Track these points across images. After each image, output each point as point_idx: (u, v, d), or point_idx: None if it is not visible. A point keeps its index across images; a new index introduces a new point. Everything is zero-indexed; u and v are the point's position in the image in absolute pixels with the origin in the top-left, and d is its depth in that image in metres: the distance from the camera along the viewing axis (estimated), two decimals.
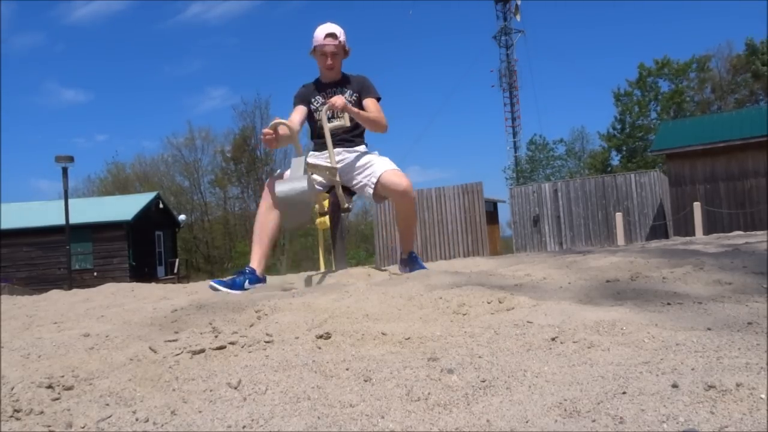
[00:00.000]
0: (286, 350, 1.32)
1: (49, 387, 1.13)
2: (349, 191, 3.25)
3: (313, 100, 3.24)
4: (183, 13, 65.35)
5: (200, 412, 1.00)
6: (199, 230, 38.75)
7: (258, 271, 2.94)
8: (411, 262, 3.27)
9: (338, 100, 2.97)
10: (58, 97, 64.32)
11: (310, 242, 27.73)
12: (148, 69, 65.04)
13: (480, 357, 1.19)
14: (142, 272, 22.98)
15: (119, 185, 38.03)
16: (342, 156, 3.18)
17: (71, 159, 15.71)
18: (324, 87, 3.26)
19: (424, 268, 3.28)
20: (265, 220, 3.01)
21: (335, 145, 3.13)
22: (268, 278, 3.24)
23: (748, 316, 1.40)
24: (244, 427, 0.93)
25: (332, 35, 3.15)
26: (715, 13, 55.36)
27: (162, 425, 0.96)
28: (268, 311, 1.73)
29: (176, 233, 29.33)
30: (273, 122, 2.83)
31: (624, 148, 33.78)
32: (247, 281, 2.84)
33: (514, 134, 38.70)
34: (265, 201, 3.02)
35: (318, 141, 3.23)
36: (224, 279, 2.88)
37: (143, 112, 63.47)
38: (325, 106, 3.01)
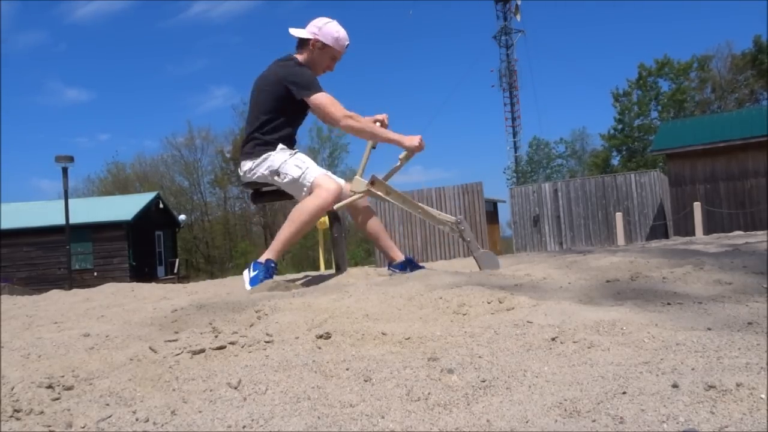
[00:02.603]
0: (286, 350, 1.32)
1: (49, 387, 1.13)
2: None
3: None
4: (186, 12, 65.45)
5: (200, 412, 1.00)
6: (199, 230, 38.77)
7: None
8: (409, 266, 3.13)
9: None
10: (60, 96, 64.47)
11: (310, 242, 27.75)
12: (152, 68, 65.27)
13: (480, 357, 1.19)
14: (142, 272, 22.99)
15: (119, 185, 38.07)
16: None
17: (71, 159, 15.73)
18: None
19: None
20: (314, 221, 2.89)
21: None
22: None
23: (748, 316, 1.40)
24: (244, 427, 0.93)
25: (347, 46, 3.13)
26: (715, 13, 55.47)
27: (162, 425, 0.96)
28: (268, 311, 1.73)
29: (176, 233, 29.35)
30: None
31: (624, 148, 33.80)
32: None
33: (514, 134, 38.79)
34: (325, 200, 2.84)
35: (292, 137, 3.15)
36: (254, 274, 2.83)
37: (146, 111, 63.72)
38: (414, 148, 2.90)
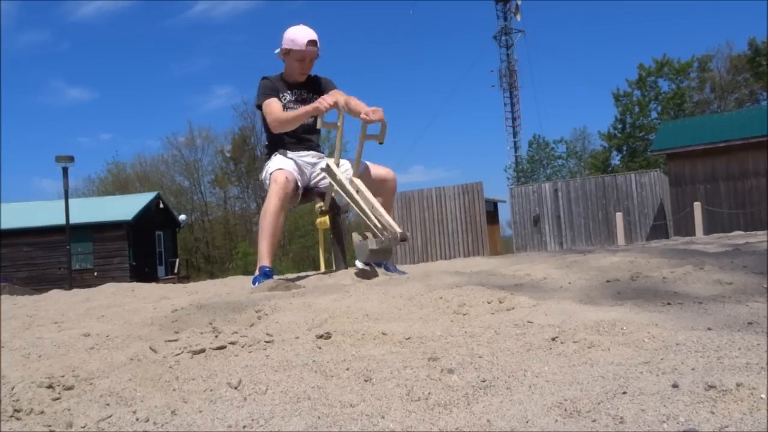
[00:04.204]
0: (286, 350, 1.32)
1: (50, 387, 1.13)
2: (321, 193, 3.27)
3: (281, 95, 3.21)
4: (189, 11, 65.36)
5: (200, 412, 1.00)
6: (199, 230, 38.77)
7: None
8: None
9: (340, 97, 2.97)
10: (62, 95, 64.40)
11: (310, 242, 27.74)
12: (154, 67, 65.20)
13: (480, 357, 1.19)
14: (143, 272, 22.98)
15: (119, 185, 38.05)
16: (315, 160, 3.26)
17: (71, 159, 15.73)
18: (291, 86, 3.24)
19: (401, 273, 3.15)
20: (278, 221, 2.94)
21: (308, 150, 3.24)
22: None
23: (749, 316, 1.40)
24: (244, 427, 0.93)
25: (314, 42, 3.13)
26: (715, 13, 55.46)
27: (162, 425, 0.96)
28: (268, 311, 1.73)
29: (176, 233, 29.34)
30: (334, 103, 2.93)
31: (624, 148, 33.79)
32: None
33: (515, 134, 38.78)
34: (278, 199, 2.91)
35: (291, 140, 3.22)
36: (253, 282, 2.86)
37: (148, 110, 63.67)
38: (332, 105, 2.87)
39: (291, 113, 3.06)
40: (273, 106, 3.09)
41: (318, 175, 3.26)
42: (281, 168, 3.01)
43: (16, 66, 59.98)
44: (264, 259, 2.91)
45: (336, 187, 3.01)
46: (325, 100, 2.85)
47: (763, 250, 2.73)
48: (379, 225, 2.74)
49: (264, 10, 65.48)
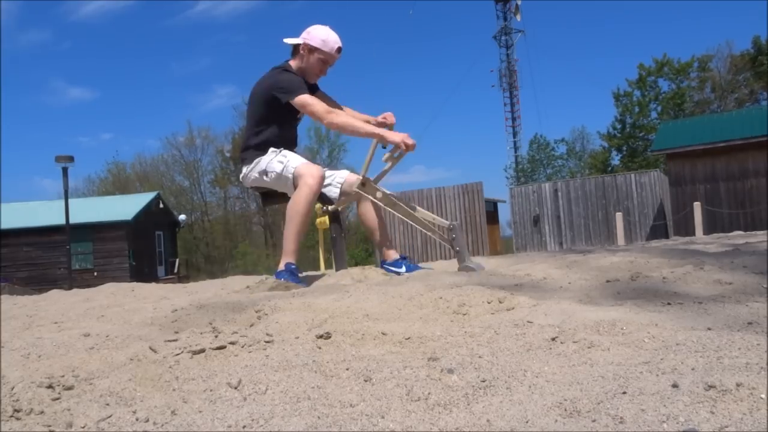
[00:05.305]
0: (286, 350, 1.32)
1: (50, 387, 1.13)
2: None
3: None
4: (190, 10, 65.30)
5: (200, 412, 1.00)
6: (199, 230, 38.78)
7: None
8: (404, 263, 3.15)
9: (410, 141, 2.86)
10: (63, 95, 64.33)
11: (311, 242, 27.73)
12: (155, 67, 65.12)
13: (480, 357, 1.19)
14: (143, 272, 22.97)
15: (119, 185, 38.05)
16: None
17: (71, 159, 15.73)
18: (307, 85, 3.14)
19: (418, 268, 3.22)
20: (309, 210, 2.89)
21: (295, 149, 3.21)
22: (269, 278, 3.24)
23: (748, 316, 1.40)
24: (244, 427, 0.93)
25: (341, 50, 3.12)
26: (715, 13, 55.45)
27: (162, 425, 0.96)
28: (268, 311, 1.73)
29: (176, 233, 29.33)
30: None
31: (624, 148, 33.79)
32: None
33: (515, 134, 38.79)
34: (311, 186, 2.86)
35: (289, 139, 3.19)
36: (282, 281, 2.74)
37: (149, 110, 63.59)
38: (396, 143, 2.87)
39: (360, 124, 3.00)
40: (322, 104, 3.00)
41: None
42: (308, 163, 2.98)
43: (17, 65, 60.01)
44: (289, 255, 2.86)
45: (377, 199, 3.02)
46: (397, 136, 2.84)
47: (763, 250, 2.73)
48: (442, 225, 2.94)
49: (265, 10, 65.51)
